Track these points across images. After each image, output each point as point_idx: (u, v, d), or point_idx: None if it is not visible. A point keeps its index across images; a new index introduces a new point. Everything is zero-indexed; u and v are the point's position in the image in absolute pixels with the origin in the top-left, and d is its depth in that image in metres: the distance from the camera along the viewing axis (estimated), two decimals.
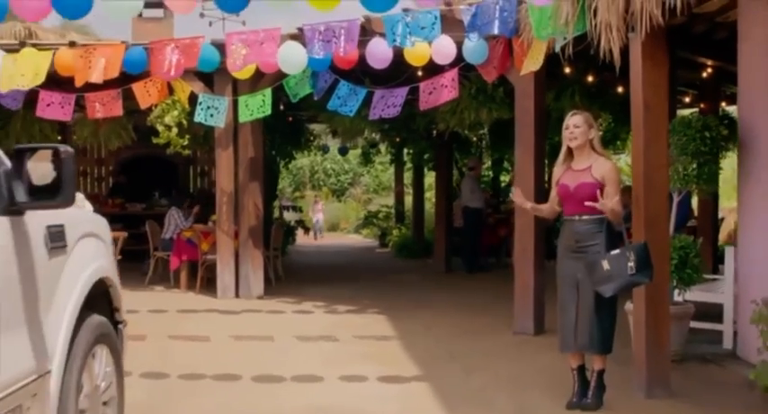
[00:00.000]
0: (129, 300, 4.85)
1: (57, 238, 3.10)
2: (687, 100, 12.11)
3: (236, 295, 9.48)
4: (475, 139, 14.78)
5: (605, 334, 4.72)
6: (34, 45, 8.37)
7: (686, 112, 12.35)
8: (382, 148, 17.84)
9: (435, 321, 7.94)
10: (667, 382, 5.13)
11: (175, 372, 5.73)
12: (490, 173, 17.19)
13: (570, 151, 4.82)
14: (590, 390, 4.83)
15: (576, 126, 4.76)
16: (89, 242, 3.49)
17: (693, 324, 6.63)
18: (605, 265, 4.49)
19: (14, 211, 2.74)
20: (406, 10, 6.86)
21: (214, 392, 5.34)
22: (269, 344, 6.96)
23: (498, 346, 6.77)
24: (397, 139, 14.45)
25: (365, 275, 12.59)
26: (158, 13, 15.96)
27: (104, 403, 3.57)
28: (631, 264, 4.43)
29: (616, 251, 4.55)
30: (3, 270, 2.67)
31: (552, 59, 6.77)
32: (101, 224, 3.79)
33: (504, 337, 7.15)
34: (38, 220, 2.94)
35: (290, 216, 19.73)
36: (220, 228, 9.62)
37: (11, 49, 8.03)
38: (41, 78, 7.75)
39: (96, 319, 3.46)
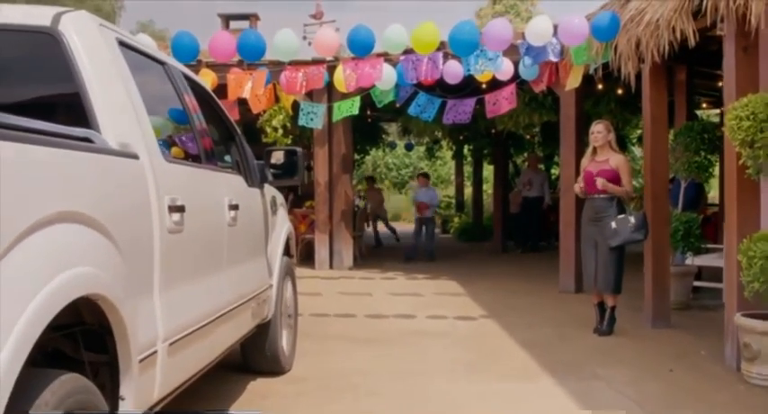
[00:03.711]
0: None
1: (273, 204, 5.16)
2: (704, 105, 13.50)
3: (331, 267, 11.36)
4: (528, 137, 16.25)
5: (616, 279, 6.55)
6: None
7: (712, 112, 13.99)
8: (443, 144, 19.36)
9: (495, 285, 9.83)
10: (668, 318, 6.97)
11: (306, 312, 7.66)
12: (542, 166, 18.66)
13: (594, 149, 6.71)
14: (605, 320, 6.71)
15: (599, 132, 6.64)
16: (282, 209, 5.55)
17: (700, 283, 8.43)
18: (613, 224, 6.35)
19: (261, 185, 4.79)
20: None
21: (340, 323, 7.38)
22: (369, 297, 8.99)
23: (546, 300, 8.65)
24: (461, 138, 16.08)
25: None
26: (244, 24, 18.06)
27: (288, 316, 5.61)
28: (631, 225, 6.30)
29: (622, 215, 6.39)
30: (261, 218, 4.74)
31: (590, 76, 8.45)
32: (282, 198, 5.84)
33: (551, 294, 9.03)
34: (267, 192, 5.00)
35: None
36: (318, 212, 11.52)
37: None
38: None
39: (286, 259, 5.50)
